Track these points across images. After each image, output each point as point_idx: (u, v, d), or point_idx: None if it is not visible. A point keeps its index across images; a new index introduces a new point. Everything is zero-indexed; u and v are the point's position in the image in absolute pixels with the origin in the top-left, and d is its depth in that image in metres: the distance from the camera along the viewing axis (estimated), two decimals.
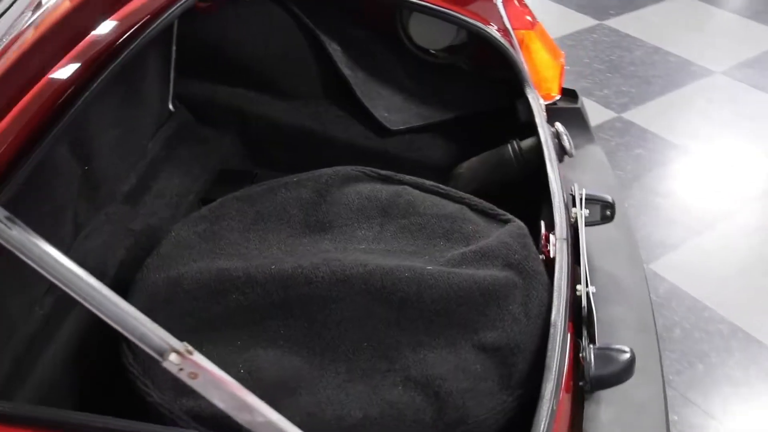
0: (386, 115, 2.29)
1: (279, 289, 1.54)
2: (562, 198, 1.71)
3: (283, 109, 2.30)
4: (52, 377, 1.55)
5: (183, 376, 0.94)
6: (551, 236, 1.64)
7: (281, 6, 2.24)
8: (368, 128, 2.30)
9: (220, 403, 0.96)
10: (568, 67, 4.33)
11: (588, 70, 4.33)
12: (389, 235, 1.76)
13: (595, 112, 3.88)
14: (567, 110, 2.32)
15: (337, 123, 2.31)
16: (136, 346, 1.50)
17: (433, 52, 2.35)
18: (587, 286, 1.53)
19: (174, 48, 2.23)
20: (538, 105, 2.04)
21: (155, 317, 1.51)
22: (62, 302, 1.63)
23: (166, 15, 1.77)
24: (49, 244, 1.15)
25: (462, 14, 2.13)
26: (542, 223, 1.67)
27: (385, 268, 1.55)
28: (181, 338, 1.50)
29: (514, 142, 2.08)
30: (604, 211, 1.85)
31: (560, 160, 2.03)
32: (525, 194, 1.95)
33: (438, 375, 1.42)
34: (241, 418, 0.96)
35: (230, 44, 2.26)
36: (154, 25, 1.74)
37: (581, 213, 1.70)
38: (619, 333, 1.71)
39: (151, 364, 1.48)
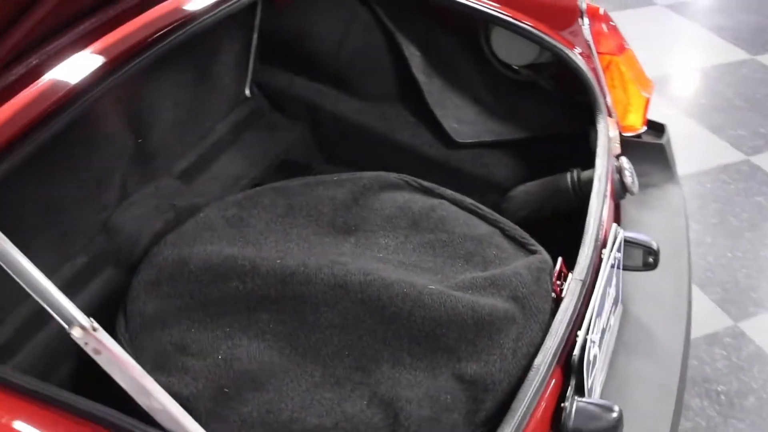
0: (456, 126, 2.24)
1: (278, 284, 1.55)
2: (594, 236, 1.60)
3: (353, 107, 2.31)
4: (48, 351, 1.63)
5: (89, 350, 0.96)
6: (570, 275, 1.55)
7: (364, 4, 2.25)
8: (435, 137, 2.26)
9: (121, 382, 0.98)
10: (704, 101, 4.10)
11: (726, 105, 4.03)
12: (411, 247, 1.73)
13: (722, 152, 3.62)
14: (649, 145, 2.17)
15: (404, 128, 2.28)
16: (128, 316, 1.57)
17: (515, 68, 2.28)
18: (588, 333, 1.42)
19: (255, 35, 2.29)
20: (606, 135, 1.92)
21: (157, 291, 1.58)
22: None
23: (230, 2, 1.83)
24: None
25: (544, 33, 2.05)
26: (560, 259, 1.58)
27: (386, 280, 1.53)
28: (174, 316, 1.55)
29: (574, 172, 1.98)
30: (646, 257, 1.72)
31: (619, 196, 1.92)
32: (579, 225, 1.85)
33: (405, 397, 1.38)
34: (140, 400, 0.98)
35: (309, 36, 2.29)
36: (218, 10, 1.79)
37: (608, 255, 1.59)
38: (632, 389, 1.59)
39: (138, 335, 1.54)
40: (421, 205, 1.83)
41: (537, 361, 1.36)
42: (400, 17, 2.24)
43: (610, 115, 2.02)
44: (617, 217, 2.00)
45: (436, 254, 1.71)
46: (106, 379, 1.03)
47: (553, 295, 1.55)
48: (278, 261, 1.59)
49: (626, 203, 2.05)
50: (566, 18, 2.11)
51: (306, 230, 1.77)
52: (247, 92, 2.36)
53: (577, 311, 1.45)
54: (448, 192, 1.88)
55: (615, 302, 1.70)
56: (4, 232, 1.60)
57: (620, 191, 1.90)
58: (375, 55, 2.28)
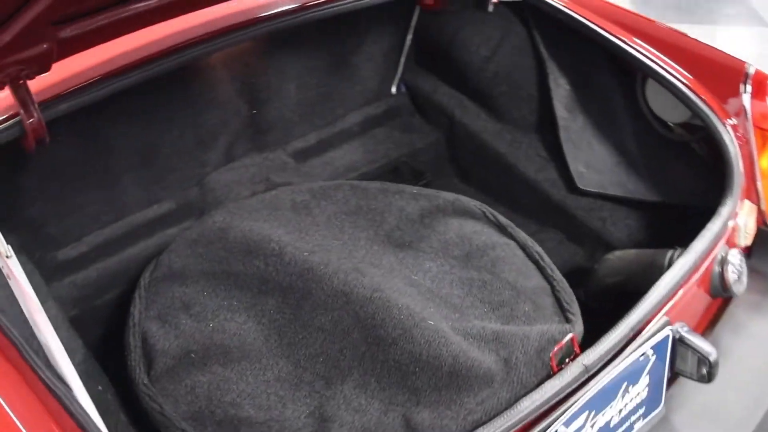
0: (583, 170, 2.08)
1: (294, 275, 1.58)
2: (630, 325, 1.41)
3: (488, 128, 2.23)
4: None
5: (5, 271, 1.07)
6: (580, 356, 1.38)
7: (523, 25, 2.15)
8: (559, 176, 2.12)
9: (23, 308, 1.07)
10: None
11: None
12: (450, 279, 1.66)
13: None
14: None
15: (532, 160, 2.16)
16: (158, 264, 1.68)
17: (670, 124, 2.05)
18: (559, 423, 1.27)
19: (410, 36, 2.29)
20: (723, 219, 1.68)
21: (192, 249, 1.68)
22: None
23: None
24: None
25: (695, 94, 1.83)
26: (570, 335, 1.41)
27: (389, 302, 1.49)
28: (194, 277, 1.64)
29: (677, 251, 1.75)
30: (701, 366, 1.49)
31: (717, 293, 1.67)
32: None
33: (341, 420, 1.35)
34: (35, 331, 1.07)
35: (460, 46, 2.25)
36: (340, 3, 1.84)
37: (635, 347, 1.39)
38: None
39: (157, 284, 1.65)
40: (484, 240, 1.74)
41: None
42: (555, 45, 2.11)
43: (752, 200, 1.76)
44: (714, 316, 1.75)
45: (470, 293, 1.62)
46: None
47: (551, 370, 1.40)
48: (306, 254, 1.61)
49: (739, 304, 1.78)
50: (728, 80, 1.85)
51: (362, 233, 1.77)
52: (393, 90, 2.38)
53: (558, 398, 1.30)
54: (522, 235, 1.77)
55: (644, 404, 1.49)
56: (95, 163, 1.80)
57: (718, 287, 1.65)
58: (521, 79, 2.17)
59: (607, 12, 2.04)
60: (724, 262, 1.64)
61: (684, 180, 2.01)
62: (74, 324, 1.69)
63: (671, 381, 1.59)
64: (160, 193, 1.94)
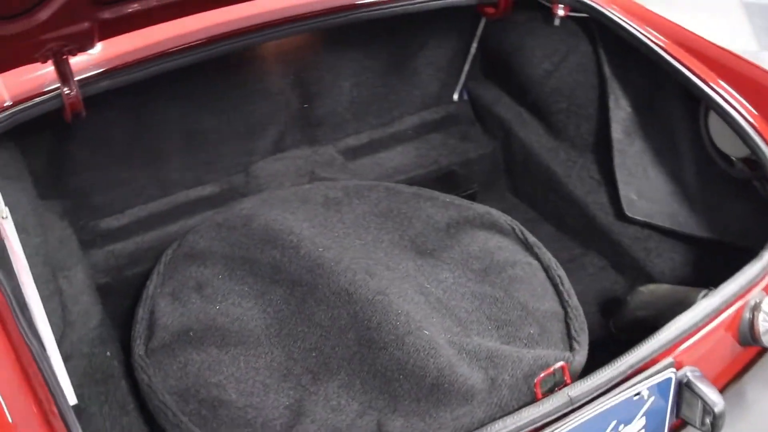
0: (633, 198, 1.99)
1: (304, 269, 1.60)
2: (630, 361, 1.35)
3: (544, 144, 2.17)
4: None
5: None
6: (568, 387, 1.33)
7: (588, 42, 2.08)
8: (609, 201, 2.04)
9: (13, 266, 1.14)
10: None
11: None
12: (463, 291, 1.64)
13: None
14: None
15: (583, 181, 2.09)
16: (182, 243, 1.74)
17: (732, 158, 1.93)
18: None
19: (475, 44, 2.26)
20: (762, 265, 1.58)
21: (216, 232, 1.74)
22: None
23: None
24: None
25: (756, 131, 1.73)
26: (560, 363, 1.36)
27: (388, 307, 1.49)
28: (214, 259, 1.70)
29: (709, 291, 1.65)
30: (705, 416, 1.40)
31: (745, 341, 1.57)
32: None
33: (313, 417, 1.36)
34: (21, 289, 1.14)
35: (522, 58, 2.20)
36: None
37: (626, 390, 1.33)
38: None
39: (178, 262, 1.71)
40: (506, 257, 1.71)
41: None
42: (619, 64, 2.03)
43: None
44: (745, 366, 1.64)
45: (479, 308, 1.60)
46: None
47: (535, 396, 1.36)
48: (321, 249, 1.63)
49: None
50: None
51: (386, 235, 1.77)
52: (455, 97, 2.36)
53: (535, 426, 1.26)
54: (547, 256, 1.72)
55: None
56: (143, 141, 1.88)
57: (747, 335, 1.55)
58: (581, 96, 2.10)
59: (676, 35, 1.95)
60: (756, 308, 1.54)
61: (740, 218, 1.89)
62: (103, 291, 1.78)
63: (679, 427, 1.51)
64: (206, 176, 2.01)
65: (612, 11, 1.97)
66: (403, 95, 2.25)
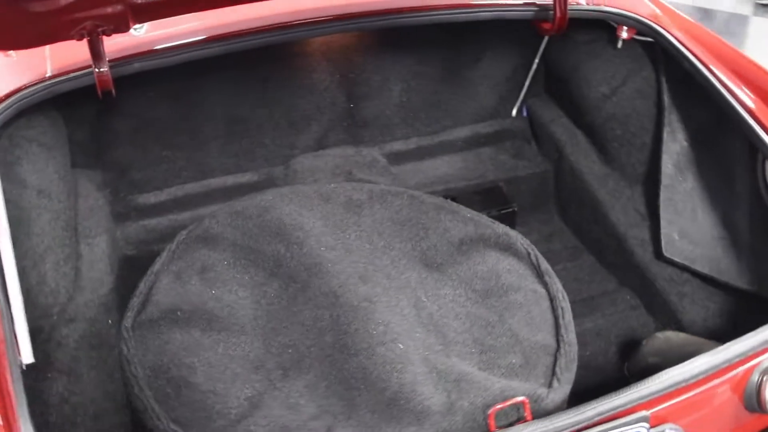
0: (675, 238, 1.87)
1: (302, 266, 1.62)
2: (597, 412, 1.28)
3: (594, 170, 2.08)
4: None
5: None
6: (524, 424, 1.28)
7: (650, 68, 1.97)
8: (650, 237, 1.93)
9: None
10: None
11: None
12: (457, 311, 1.60)
13: None
14: None
15: (627, 214, 1.99)
16: (197, 226, 1.79)
17: None
18: None
19: (537, 61, 2.19)
20: None
21: (231, 220, 1.78)
22: None
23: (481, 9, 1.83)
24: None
25: None
26: (521, 397, 1.30)
27: (373, 315, 1.48)
28: (223, 246, 1.74)
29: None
30: None
31: (751, 407, 1.45)
32: None
33: (269, 413, 1.37)
34: None
35: (582, 79, 2.11)
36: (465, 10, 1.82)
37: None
38: None
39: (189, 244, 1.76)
40: (512, 281, 1.65)
41: None
42: (680, 94, 1.91)
43: None
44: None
45: (468, 329, 1.55)
46: None
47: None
48: (323, 249, 1.64)
49: None
50: None
51: (398, 244, 1.75)
52: (513, 112, 2.30)
53: None
54: (556, 287, 1.65)
55: None
56: (183, 123, 1.95)
57: (753, 401, 1.43)
58: (637, 125, 2.00)
59: (747, 73, 1.81)
60: (765, 374, 1.42)
61: None
62: (129, 262, 1.86)
63: None
64: (246, 165, 2.06)
65: (679, 38, 1.86)
66: (456, 105, 2.22)
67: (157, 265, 1.68)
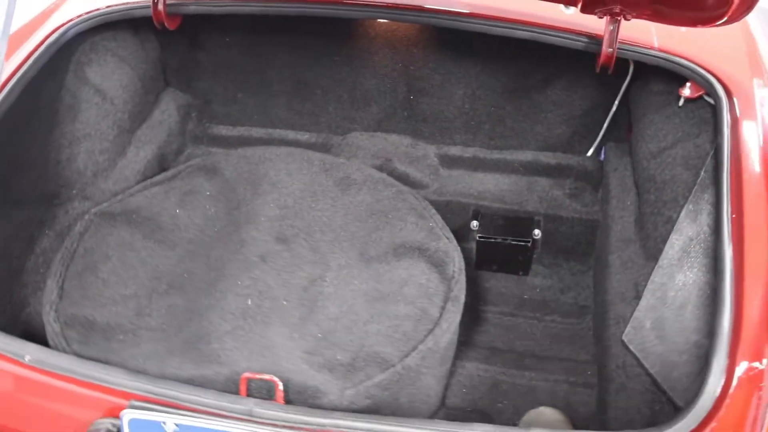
0: (646, 325, 1.62)
1: (248, 214, 1.78)
2: None
3: (623, 234, 1.86)
4: None
5: None
6: (265, 402, 1.31)
7: (708, 136, 1.71)
8: (629, 316, 1.69)
9: None
10: None
11: None
12: (347, 301, 1.65)
13: None
14: None
15: (626, 288, 1.76)
16: (183, 168, 1.99)
17: None
18: None
19: (617, 102, 2.01)
20: None
21: (238, 160, 1.98)
22: None
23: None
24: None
25: None
26: (279, 381, 1.33)
27: (251, 271, 1.62)
28: (217, 179, 1.94)
29: None
30: None
31: None
32: None
33: (123, 315, 1.55)
34: None
35: (640, 130, 1.90)
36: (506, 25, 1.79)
37: None
38: None
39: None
40: (414, 295, 1.62)
41: None
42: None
43: None
44: None
45: (335, 319, 1.59)
46: None
47: None
48: (272, 205, 1.78)
49: None
50: None
51: (354, 228, 1.80)
52: (589, 152, 2.12)
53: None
54: (447, 316, 1.58)
55: None
56: (255, 72, 2.16)
57: None
58: (670, 194, 1.70)
59: None
60: None
61: None
62: None
63: None
64: (309, 125, 2.24)
65: (737, 109, 1.60)
66: (522, 126, 2.12)
67: (159, 177, 1.94)
